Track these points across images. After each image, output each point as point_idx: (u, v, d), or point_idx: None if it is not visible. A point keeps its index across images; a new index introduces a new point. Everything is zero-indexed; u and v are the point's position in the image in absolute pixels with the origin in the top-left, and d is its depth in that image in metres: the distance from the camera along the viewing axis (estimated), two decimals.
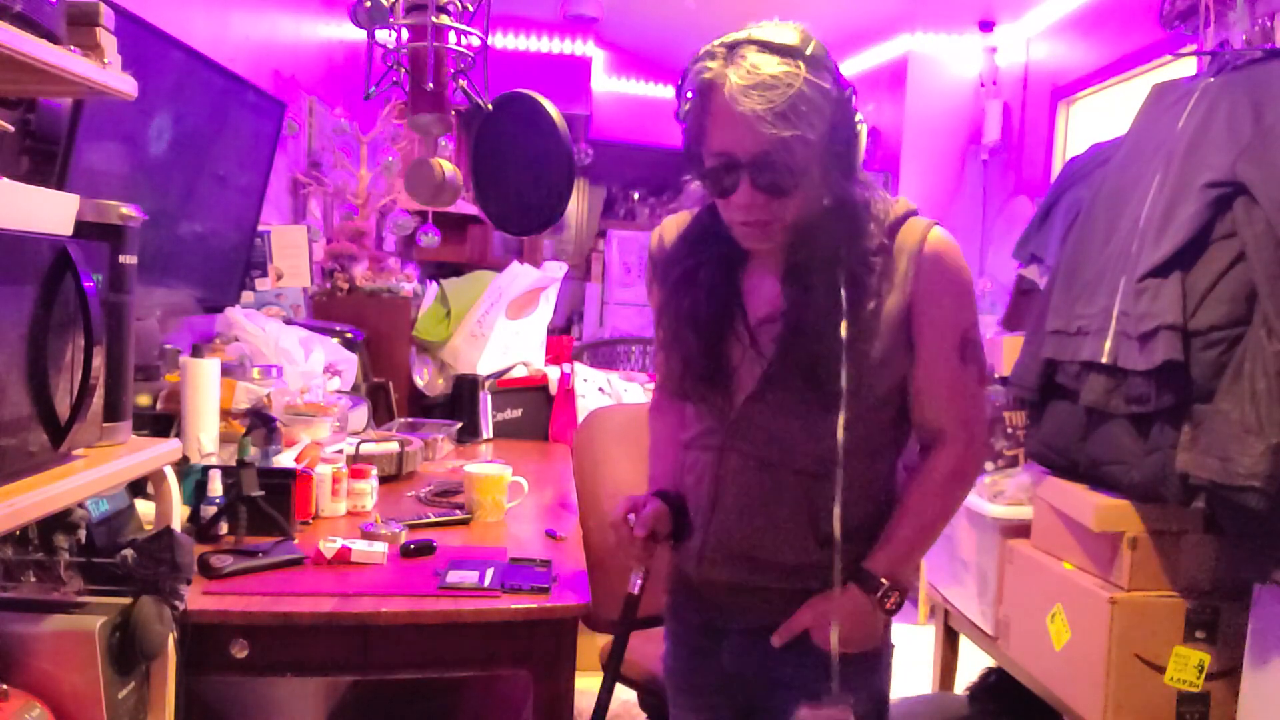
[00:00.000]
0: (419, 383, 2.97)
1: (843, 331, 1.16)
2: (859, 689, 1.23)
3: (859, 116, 1.19)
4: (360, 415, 2.46)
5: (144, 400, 1.80)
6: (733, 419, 1.25)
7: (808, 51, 1.11)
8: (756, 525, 1.24)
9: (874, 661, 1.28)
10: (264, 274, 2.62)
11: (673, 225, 1.36)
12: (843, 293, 1.17)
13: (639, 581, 1.34)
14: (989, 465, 2.31)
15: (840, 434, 1.18)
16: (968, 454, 1.27)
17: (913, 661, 2.83)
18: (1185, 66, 2.59)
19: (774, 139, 1.10)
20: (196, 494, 1.67)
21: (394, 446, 2.25)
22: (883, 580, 1.22)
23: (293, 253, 2.68)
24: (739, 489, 1.25)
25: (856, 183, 1.21)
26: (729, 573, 1.27)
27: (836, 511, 1.19)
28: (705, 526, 1.28)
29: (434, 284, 3.15)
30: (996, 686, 2.29)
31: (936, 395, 1.25)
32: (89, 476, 1.07)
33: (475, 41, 1.63)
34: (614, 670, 1.36)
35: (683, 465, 1.34)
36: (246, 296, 2.51)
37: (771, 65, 1.09)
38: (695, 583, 1.32)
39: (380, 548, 1.61)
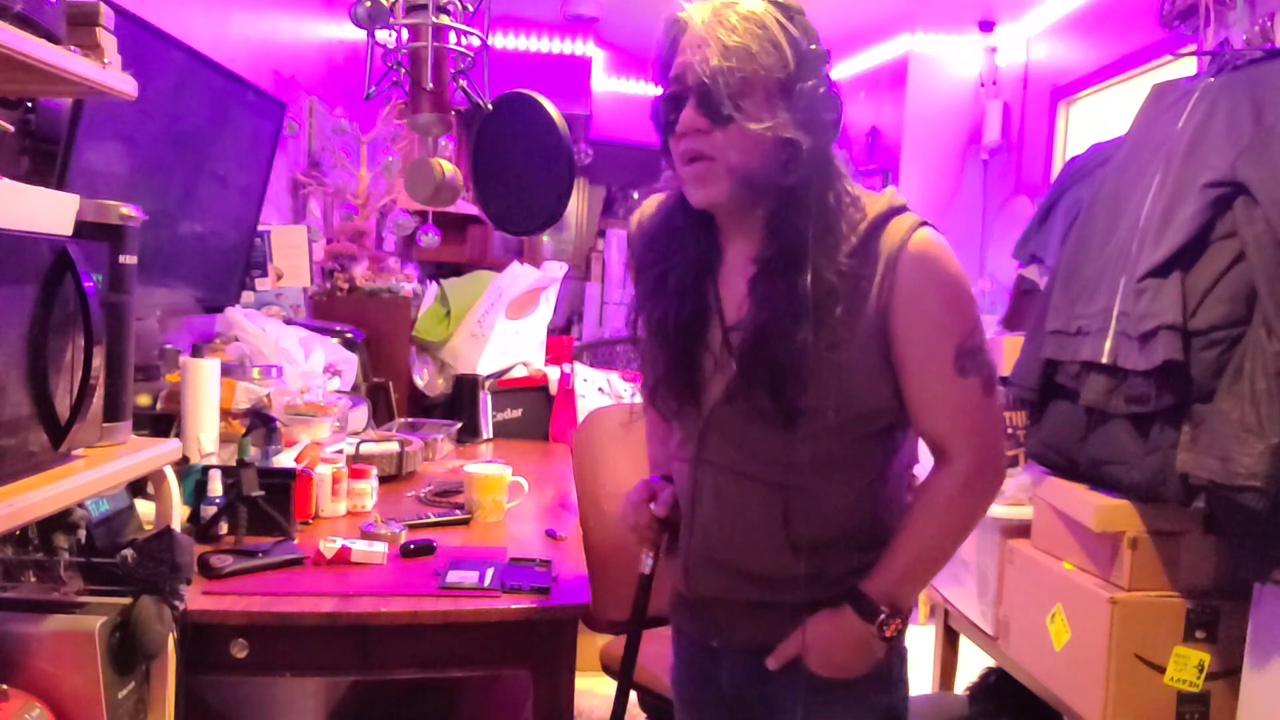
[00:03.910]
0: (419, 383, 2.97)
1: (810, 340, 1.10)
2: (865, 710, 1.21)
3: (828, 76, 1.13)
4: (360, 415, 2.46)
5: (144, 400, 1.80)
6: (700, 430, 1.21)
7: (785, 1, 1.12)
8: (732, 537, 1.21)
9: (879, 680, 1.22)
10: (264, 274, 2.62)
11: (651, 205, 1.31)
12: (811, 299, 1.10)
13: (650, 562, 1.33)
14: None
15: (808, 448, 1.12)
16: (976, 470, 1.17)
17: (913, 661, 2.82)
18: (1185, 66, 2.59)
19: (724, 65, 1.07)
20: (196, 494, 1.68)
21: (394, 446, 2.25)
22: (881, 607, 1.16)
23: (293, 253, 2.68)
24: (713, 500, 1.22)
25: (821, 162, 1.14)
26: (713, 585, 1.25)
27: (807, 525, 1.15)
28: (688, 538, 1.26)
29: (434, 284, 3.15)
30: (996, 686, 2.29)
31: (934, 410, 1.17)
32: (89, 476, 1.07)
33: (475, 41, 1.63)
34: (630, 660, 1.35)
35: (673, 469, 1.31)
36: (246, 296, 2.51)
37: (745, 3, 1.10)
38: (688, 598, 1.29)
39: (380, 548, 1.62)
